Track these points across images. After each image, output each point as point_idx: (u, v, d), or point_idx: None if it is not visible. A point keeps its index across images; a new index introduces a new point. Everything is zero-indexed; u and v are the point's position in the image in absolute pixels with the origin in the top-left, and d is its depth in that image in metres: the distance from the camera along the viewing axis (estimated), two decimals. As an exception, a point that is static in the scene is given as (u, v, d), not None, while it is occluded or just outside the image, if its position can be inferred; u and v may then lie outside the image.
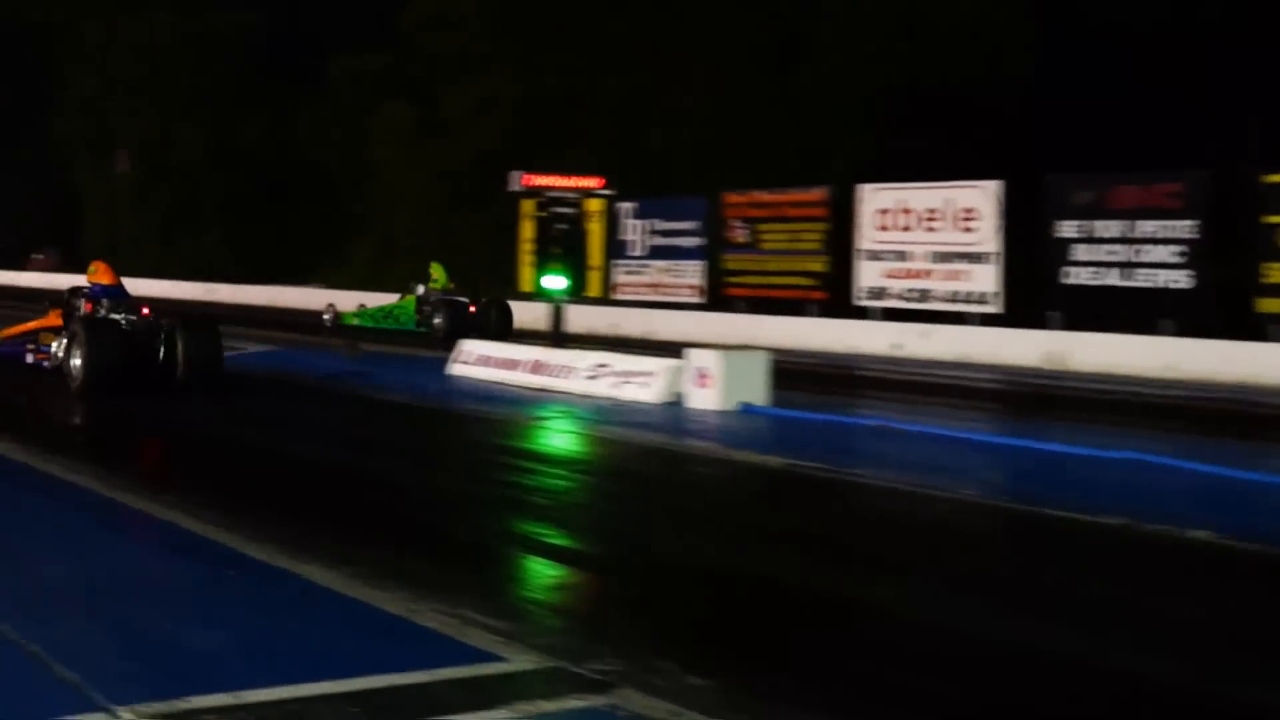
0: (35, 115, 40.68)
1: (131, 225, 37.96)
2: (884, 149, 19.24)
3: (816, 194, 16.96)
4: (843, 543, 5.24)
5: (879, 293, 15.92)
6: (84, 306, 8.74)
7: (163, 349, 8.49)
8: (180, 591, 4.00)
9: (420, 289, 15.58)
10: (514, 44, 28.38)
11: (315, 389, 10.85)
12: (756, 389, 9.21)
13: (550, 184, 12.36)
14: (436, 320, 14.98)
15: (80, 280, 9.27)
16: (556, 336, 12.01)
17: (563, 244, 11.80)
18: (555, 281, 11.74)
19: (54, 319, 9.16)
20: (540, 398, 10.05)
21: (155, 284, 33.86)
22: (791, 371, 10.81)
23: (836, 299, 16.35)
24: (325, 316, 16.28)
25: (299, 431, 8.36)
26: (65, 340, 8.48)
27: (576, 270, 11.93)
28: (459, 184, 29.27)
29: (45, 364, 8.82)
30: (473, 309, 15.13)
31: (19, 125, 39.53)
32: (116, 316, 8.65)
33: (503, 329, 14.81)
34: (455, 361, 11.79)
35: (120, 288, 9.12)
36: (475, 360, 11.67)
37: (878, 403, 10.20)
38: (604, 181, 12.80)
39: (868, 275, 16.06)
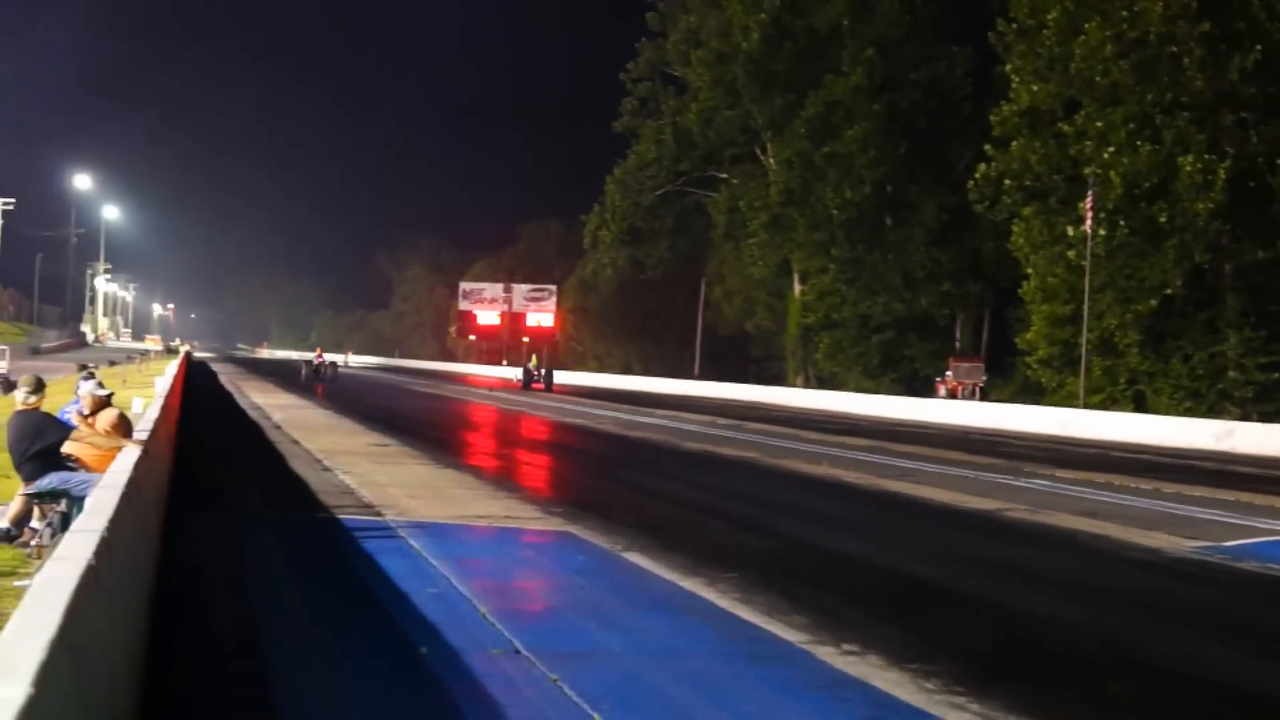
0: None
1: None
2: None
3: None
4: None
5: None
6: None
7: (324, 370, 68.66)
8: None
9: (531, 364, 68.64)
10: None
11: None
12: None
13: None
14: (519, 378, 68.22)
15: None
16: None
17: None
18: None
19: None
20: None
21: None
22: None
23: None
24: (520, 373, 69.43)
25: None
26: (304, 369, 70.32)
27: None
28: None
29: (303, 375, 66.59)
30: (537, 372, 66.16)
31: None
32: (316, 362, 70.77)
33: (549, 382, 65.78)
34: None
35: (321, 354, 78.48)
36: None
37: None
38: None
39: None
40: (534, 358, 72.03)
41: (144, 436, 11.45)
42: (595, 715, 6.67)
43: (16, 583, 9.00)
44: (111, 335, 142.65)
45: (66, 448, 11.09)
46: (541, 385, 64.99)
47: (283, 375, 71.36)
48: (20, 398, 11.38)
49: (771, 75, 64.59)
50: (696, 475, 21.98)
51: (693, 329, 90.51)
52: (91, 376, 14.76)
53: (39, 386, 11.45)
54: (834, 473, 22.03)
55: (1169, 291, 42.72)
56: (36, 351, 78.33)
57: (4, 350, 51.08)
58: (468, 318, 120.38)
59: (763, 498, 18.54)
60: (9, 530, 11.01)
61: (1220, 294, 43.57)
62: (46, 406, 11.67)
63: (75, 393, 14.27)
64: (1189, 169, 40.69)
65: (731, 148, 71.91)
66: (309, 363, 71.04)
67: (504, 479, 19.58)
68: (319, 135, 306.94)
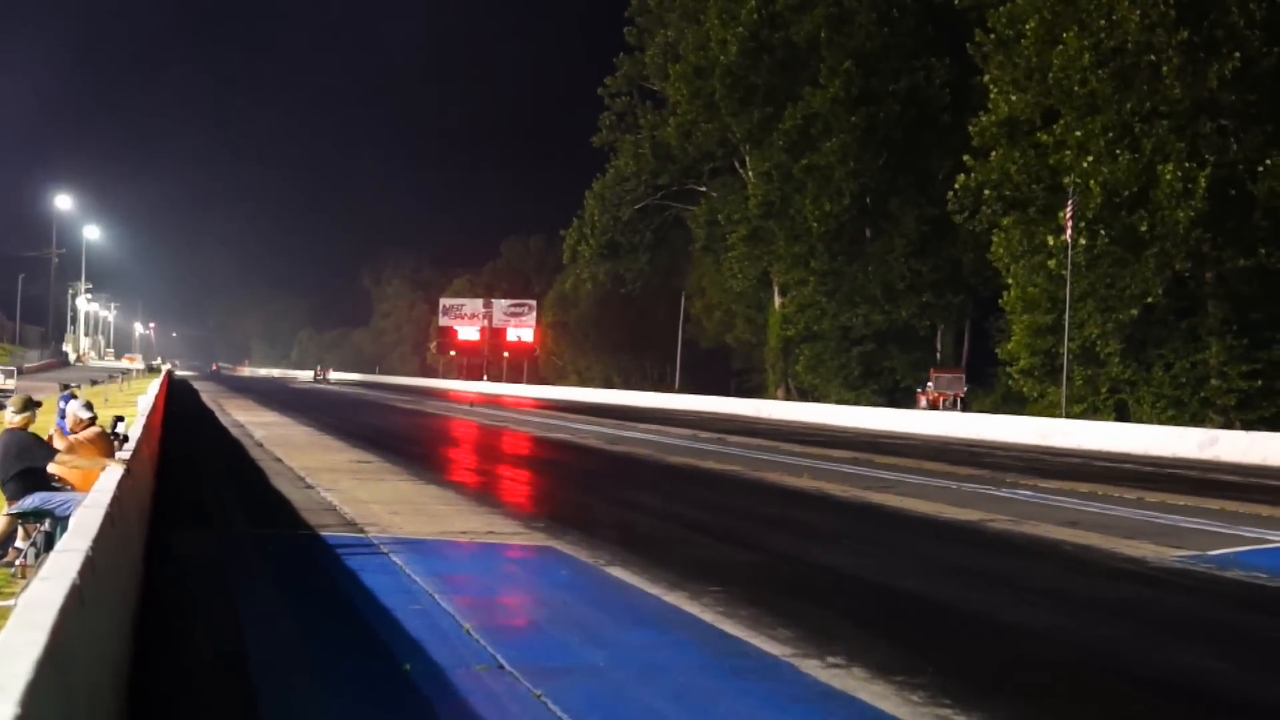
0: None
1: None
2: None
3: None
4: None
5: None
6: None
7: (220, 372, 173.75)
8: None
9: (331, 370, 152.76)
10: None
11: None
12: None
13: None
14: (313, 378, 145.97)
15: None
16: None
17: None
18: None
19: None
20: None
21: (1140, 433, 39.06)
22: None
23: None
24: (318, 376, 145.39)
25: None
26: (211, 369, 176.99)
27: None
28: None
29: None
30: (321, 373, 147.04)
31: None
32: (214, 369, 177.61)
33: (326, 378, 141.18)
34: None
35: (217, 366, 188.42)
36: None
37: None
38: None
39: None
40: (319, 366, 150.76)
41: (126, 455, 11.45)
42: (580, 730, 6.68)
43: (1, 603, 8.99)
44: (93, 355, 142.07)
45: (50, 467, 11.07)
46: (324, 380, 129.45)
47: (264, 393, 71.16)
48: (8, 416, 11.37)
49: (750, 88, 64.77)
50: (679, 489, 22.00)
51: (673, 343, 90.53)
52: (74, 396, 14.73)
53: (27, 405, 11.43)
54: (817, 485, 22.08)
55: (1150, 300, 42.88)
56: (19, 371, 77.85)
57: (12, 370, 50.67)
58: (448, 333, 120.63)
59: (746, 511, 18.60)
60: (-7, 550, 10.99)
61: (1201, 302, 43.79)
62: (33, 429, 11.62)
63: (58, 412, 14.29)
64: (1169, 177, 40.85)
65: (710, 161, 72.06)
66: (213, 368, 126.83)
67: (486, 494, 19.61)
68: (299, 154, 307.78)
